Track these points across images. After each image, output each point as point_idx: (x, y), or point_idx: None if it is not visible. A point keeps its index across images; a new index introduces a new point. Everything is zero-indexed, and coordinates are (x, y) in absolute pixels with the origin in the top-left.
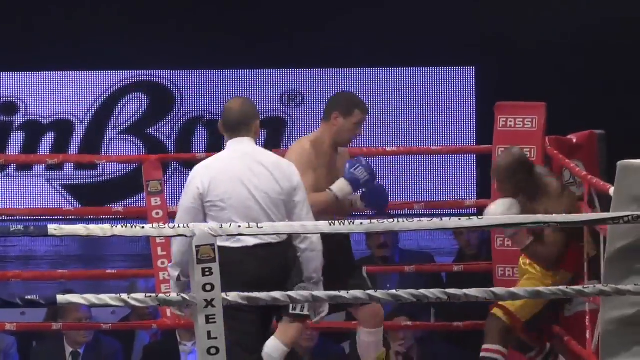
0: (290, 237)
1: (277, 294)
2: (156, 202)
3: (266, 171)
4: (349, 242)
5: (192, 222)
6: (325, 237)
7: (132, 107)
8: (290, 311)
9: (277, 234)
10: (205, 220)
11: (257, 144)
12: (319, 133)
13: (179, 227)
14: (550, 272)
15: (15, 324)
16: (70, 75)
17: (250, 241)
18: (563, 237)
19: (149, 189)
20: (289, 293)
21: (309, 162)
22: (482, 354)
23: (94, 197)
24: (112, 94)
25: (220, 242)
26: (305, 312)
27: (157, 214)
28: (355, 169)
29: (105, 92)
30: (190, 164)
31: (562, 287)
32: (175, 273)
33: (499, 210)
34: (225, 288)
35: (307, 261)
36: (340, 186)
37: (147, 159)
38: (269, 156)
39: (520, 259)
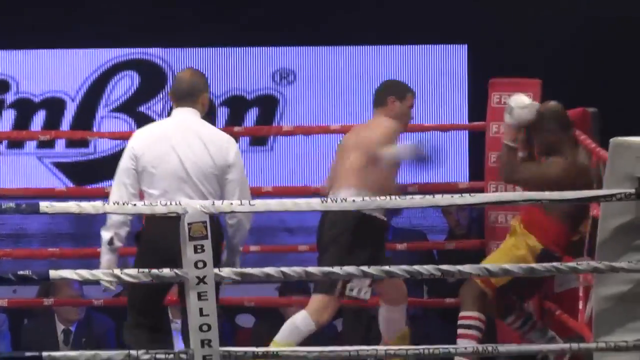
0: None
1: (270, 270)
2: None
3: (201, 144)
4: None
5: (128, 182)
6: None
7: (124, 85)
8: (349, 292)
9: None
10: (139, 185)
11: (203, 117)
12: (385, 115)
13: (170, 204)
14: (519, 239)
15: (6, 300)
16: (62, 53)
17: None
18: (542, 182)
19: None
20: (282, 269)
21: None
22: (459, 322)
23: (85, 175)
24: (104, 72)
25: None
26: (363, 296)
27: None
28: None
29: (97, 70)
30: None
31: (555, 264)
32: (107, 236)
33: (513, 99)
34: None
35: (232, 235)
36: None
37: None
38: (209, 130)
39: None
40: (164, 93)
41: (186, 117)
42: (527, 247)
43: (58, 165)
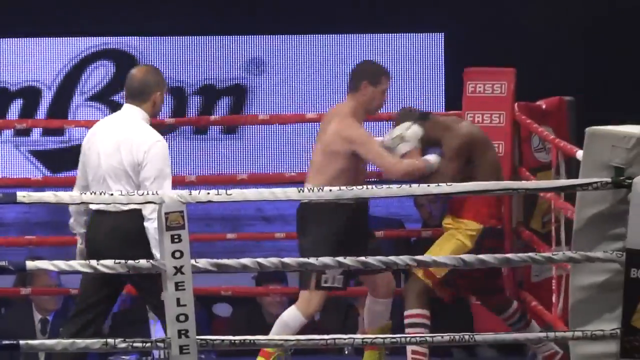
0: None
1: (246, 261)
2: None
3: (116, 141)
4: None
5: (79, 174)
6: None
7: (99, 74)
8: (323, 284)
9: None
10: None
11: (157, 115)
12: (352, 104)
13: (147, 194)
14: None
15: None
16: (38, 42)
17: (93, 207)
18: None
19: None
20: (259, 260)
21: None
22: (405, 321)
23: (61, 163)
24: (79, 61)
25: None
26: (337, 284)
27: None
28: None
29: (73, 59)
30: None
31: (531, 254)
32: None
33: (393, 132)
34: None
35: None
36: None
37: None
38: (130, 129)
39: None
40: None
41: (122, 115)
42: (466, 235)
43: (34, 153)
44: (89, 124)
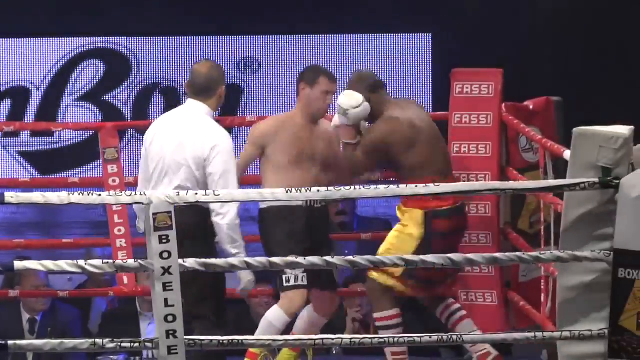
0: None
1: (234, 261)
2: (113, 170)
3: (181, 137)
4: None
5: (142, 168)
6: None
7: (89, 74)
8: (285, 284)
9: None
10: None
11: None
12: (295, 110)
13: (135, 194)
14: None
15: None
16: (27, 42)
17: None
18: (366, 160)
19: (105, 157)
20: (246, 259)
21: (254, 138)
22: (377, 324)
23: (50, 164)
24: (68, 60)
25: None
26: (301, 282)
27: (114, 181)
28: None
29: (62, 59)
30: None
31: (518, 253)
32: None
33: (345, 100)
34: None
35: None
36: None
37: (103, 127)
38: (196, 125)
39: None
40: (128, 82)
41: (188, 110)
42: (412, 221)
43: (23, 154)
44: (77, 127)
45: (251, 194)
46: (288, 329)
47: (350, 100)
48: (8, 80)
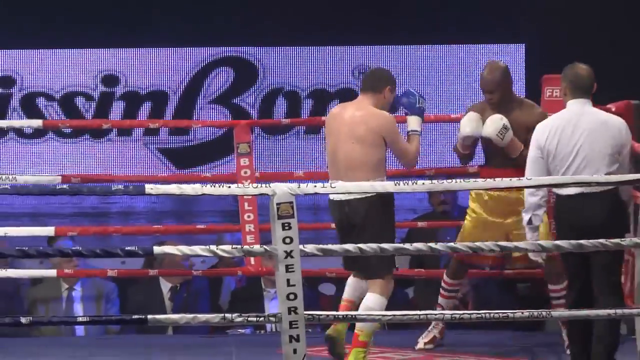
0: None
1: (349, 246)
2: (245, 163)
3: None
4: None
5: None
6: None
7: (220, 80)
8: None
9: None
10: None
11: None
12: (374, 103)
13: (261, 186)
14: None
15: (116, 271)
16: (165, 51)
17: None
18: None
19: (238, 151)
20: (360, 245)
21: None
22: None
23: (186, 160)
24: (202, 68)
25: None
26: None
27: (245, 172)
28: (410, 99)
29: (196, 66)
30: (274, 130)
31: (601, 240)
32: (526, 217)
33: (491, 127)
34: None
35: None
36: (414, 122)
37: (238, 124)
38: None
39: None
40: (255, 87)
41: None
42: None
43: (162, 151)
44: (214, 124)
45: (363, 186)
46: None
47: (493, 123)
48: (147, 86)
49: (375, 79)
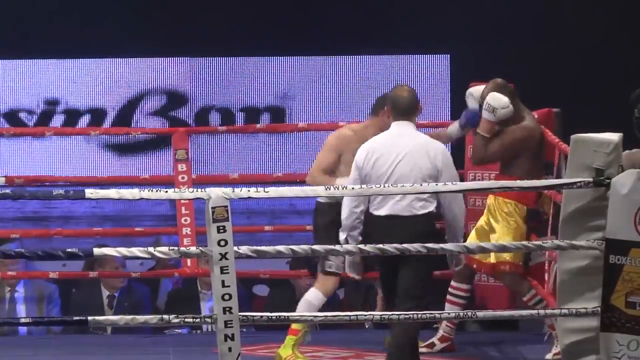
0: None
1: (281, 248)
2: (182, 168)
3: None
4: None
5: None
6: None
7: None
8: (326, 269)
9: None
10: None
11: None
12: (366, 124)
13: (197, 190)
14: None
15: (57, 273)
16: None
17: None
18: (503, 149)
19: (176, 157)
20: (292, 247)
21: (336, 145)
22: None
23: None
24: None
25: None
26: (335, 270)
27: (183, 178)
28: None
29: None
30: (210, 137)
31: (525, 242)
32: (342, 237)
33: (496, 101)
34: None
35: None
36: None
37: (176, 131)
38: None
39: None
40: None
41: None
42: (516, 214)
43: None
44: (153, 131)
45: (296, 191)
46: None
47: (500, 101)
48: (88, 102)
49: (379, 102)
